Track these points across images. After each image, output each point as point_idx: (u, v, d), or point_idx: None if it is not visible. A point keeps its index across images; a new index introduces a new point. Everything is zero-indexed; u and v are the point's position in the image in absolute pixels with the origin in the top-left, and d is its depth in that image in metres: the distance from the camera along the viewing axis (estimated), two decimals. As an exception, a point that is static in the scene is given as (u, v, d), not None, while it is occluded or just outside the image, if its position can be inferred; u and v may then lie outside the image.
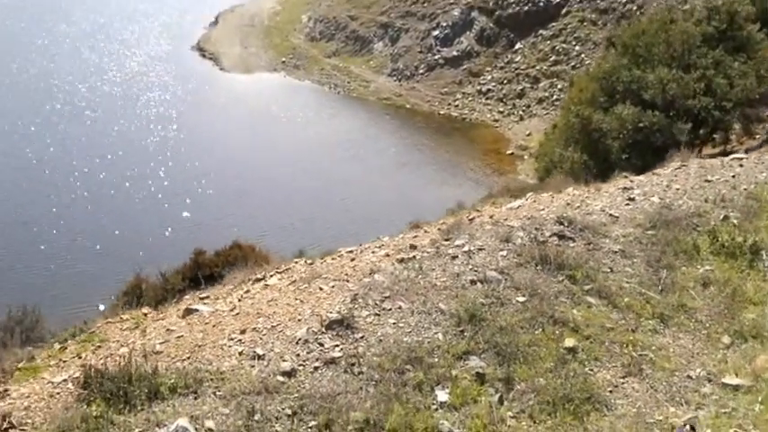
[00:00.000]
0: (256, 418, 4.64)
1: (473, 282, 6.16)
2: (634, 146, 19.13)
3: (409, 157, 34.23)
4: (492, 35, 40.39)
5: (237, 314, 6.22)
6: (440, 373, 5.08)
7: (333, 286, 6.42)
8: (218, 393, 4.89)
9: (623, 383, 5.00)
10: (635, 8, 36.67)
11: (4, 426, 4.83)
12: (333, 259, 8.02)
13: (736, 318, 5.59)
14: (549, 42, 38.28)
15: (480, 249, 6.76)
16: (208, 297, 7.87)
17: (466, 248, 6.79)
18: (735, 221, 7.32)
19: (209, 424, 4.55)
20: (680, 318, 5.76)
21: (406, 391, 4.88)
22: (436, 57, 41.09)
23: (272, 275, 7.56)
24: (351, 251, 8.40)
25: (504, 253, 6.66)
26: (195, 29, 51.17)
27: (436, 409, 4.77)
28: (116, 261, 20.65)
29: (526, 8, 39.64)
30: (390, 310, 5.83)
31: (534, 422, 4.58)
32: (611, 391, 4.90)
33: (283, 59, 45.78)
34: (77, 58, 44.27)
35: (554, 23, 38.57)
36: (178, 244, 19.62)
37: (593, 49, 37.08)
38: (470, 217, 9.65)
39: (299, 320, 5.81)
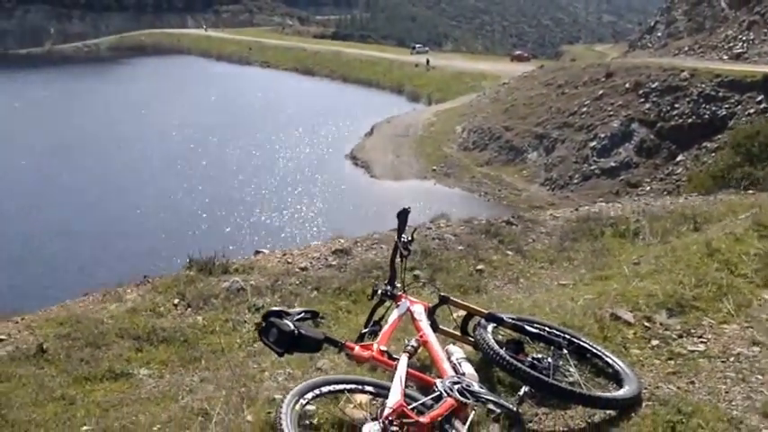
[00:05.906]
0: (279, 282, 8.08)
1: (434, 238, 9.40)
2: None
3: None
4: (652, 147, 39.32)
5: (283, 249, 9.75)
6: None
7: (347, 240, 9.84)
8: (261, 273, 8.39)
9: (503, 287, 8.05)
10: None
11: (142, 281, 8.54)
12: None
13: (597, 261, 8.47)
14: (713, 155, 35.64)
15: (448, 225, 10.01)
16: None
17: (440, 225, 10.05)
18: (642, 222, 10.13)
19: (252, 282, 8.05)
20: (562, 263, 8.72)
21: (368, 279, 8.18)
22: (592, 167, 40.09)
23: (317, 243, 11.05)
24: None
25: (463, 227, 9.86)
26: (352, 139, 53.72)
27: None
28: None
29: (690, 120, 38.49)
30: (375, 248, 9.18)
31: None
32: (492, 289, 7.97)
33: (434, 167, 45.61)
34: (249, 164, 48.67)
35: (720, 135, 36.69)
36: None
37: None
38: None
39: (319, 252, 9.26)
